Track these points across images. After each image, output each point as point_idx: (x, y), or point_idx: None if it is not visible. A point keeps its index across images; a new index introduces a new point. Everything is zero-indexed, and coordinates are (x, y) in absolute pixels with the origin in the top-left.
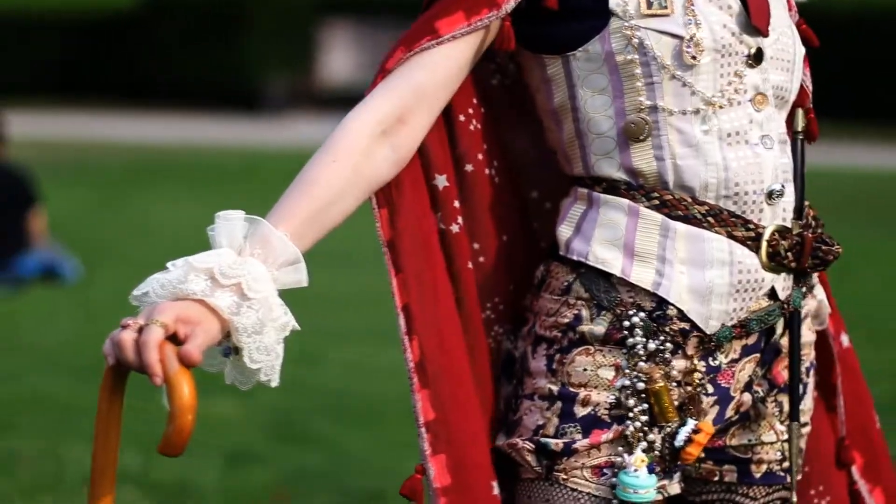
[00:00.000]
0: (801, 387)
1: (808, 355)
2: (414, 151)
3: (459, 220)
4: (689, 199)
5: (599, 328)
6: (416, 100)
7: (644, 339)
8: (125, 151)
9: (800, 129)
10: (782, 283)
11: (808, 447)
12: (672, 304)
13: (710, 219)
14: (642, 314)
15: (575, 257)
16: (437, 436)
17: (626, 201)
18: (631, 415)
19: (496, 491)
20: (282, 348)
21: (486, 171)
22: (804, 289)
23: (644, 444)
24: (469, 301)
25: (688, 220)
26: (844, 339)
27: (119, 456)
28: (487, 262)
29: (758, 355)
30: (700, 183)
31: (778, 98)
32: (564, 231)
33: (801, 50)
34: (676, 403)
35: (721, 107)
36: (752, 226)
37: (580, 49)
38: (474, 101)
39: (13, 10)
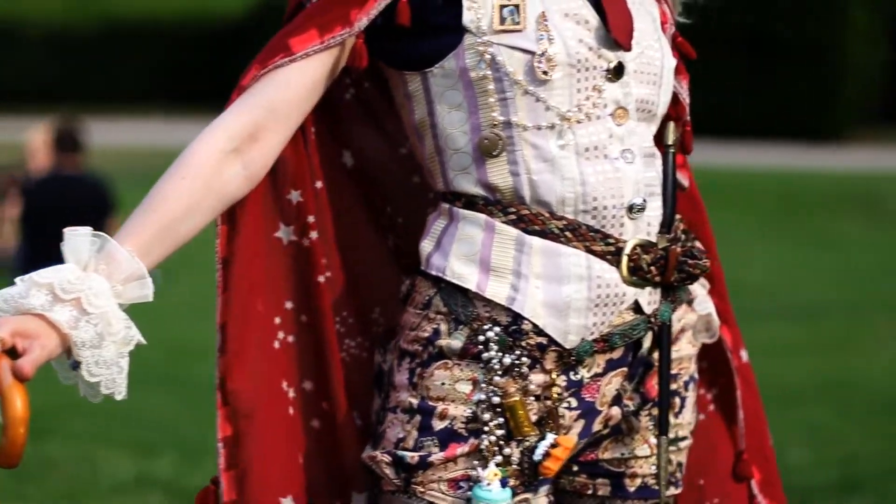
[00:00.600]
0: (678, 400)
1: (688, 369)
2: (267, 168)
3: (313, 234)
4: (547, 214)
5: (457, 342)
6: (268, 117)
7: (500, 354)
8: None
9: (670, 142)
10: (648, 298)
11: (702, 460)
12: (527, 319)
13: (567, 233)
14: (497, 329)
15: (434, 272)
16: (230, 452)
17: (483, 216)
18: (486, 429)
19: None
20: (126, 362)
21: (332, 187)
22: (674, 303)
23: (499, 458)
24: (320, 315)
25: (545, 234)
26: (743, 355)
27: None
28: (335, 276)
29: (625, 369)
30: (556, 198)
31: (643, 111)
32: (426, 246)
33: (671, 63)
34: (535, 418)
35: (578, 121)
36: (612, 240)
37: (437, 66)
38: (322, 116)
39: (124, 18)
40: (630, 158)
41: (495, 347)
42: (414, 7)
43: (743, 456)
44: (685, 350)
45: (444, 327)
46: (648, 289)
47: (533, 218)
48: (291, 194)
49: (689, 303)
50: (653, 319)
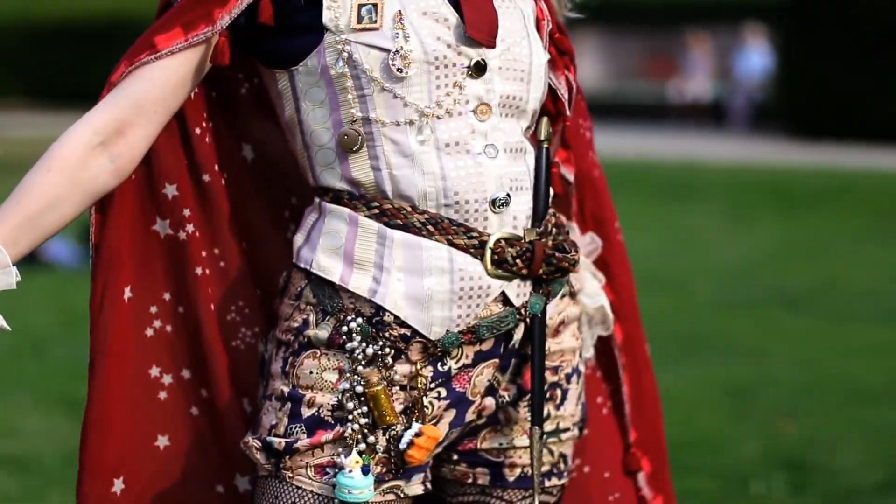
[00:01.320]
0: (560, 392)
1: (571, 361)
2: (135, 161)
3: (189, 227)
4: (409, 208)
5: (323, 333)
6: (134, 113)
7: (363, 344)
8: None
9: (543, 137)
10: (516, 290)
11: (600, 453)
12: (389, 311)
13: (429, 227)
14: (360, 319)
15: (302, 265)
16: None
17: (347, 211)
18: (350, 417)
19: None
20: None
21: (225, 181)
22: (547, 296)
23: (363, 446)
24: (198, 307)
25: (407, 228)
26: (646, 349)
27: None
28: (230, 266)
29: (496, 361)
30: (418, 192)
31: (510, 107)
32: (298, 239)
33: (541, 59)
34: (401, 407)
35: (439, 117)
36: (475, 234)
37: (301, 64)
38: (210, 114)
39: None
40: (493, 153)
41: (358, 338)
42: (276, 6)
43: (631, 449)
44: (567, 343)
45: (312, 318)
46: (517, 281)
47: (395, 212)
48: (167, 188)
49: (572, 296)
50: (523, 312)
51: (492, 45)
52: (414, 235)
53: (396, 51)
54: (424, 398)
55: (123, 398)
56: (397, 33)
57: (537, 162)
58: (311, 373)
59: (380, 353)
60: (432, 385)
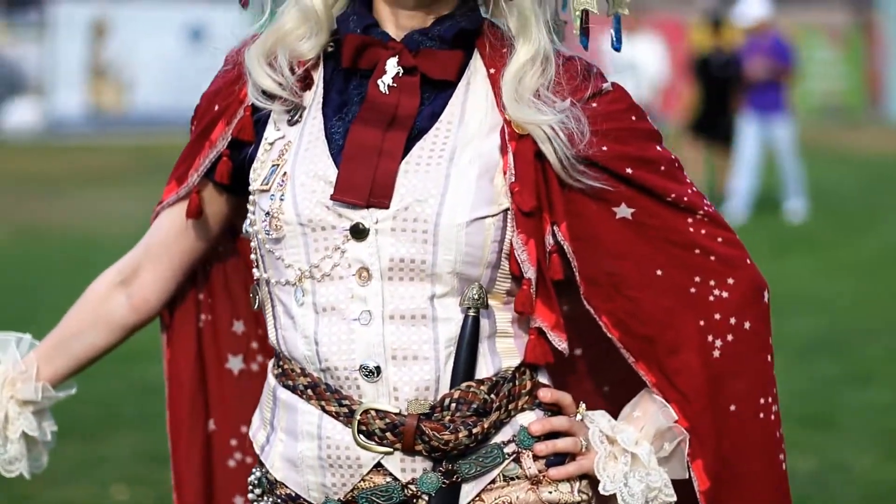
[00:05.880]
0: None
1: None
2: (149, 300)
3: (259, 358)
4: (299, 370)
5: (249, 478)
6: (145, 256)
7: (262, 497)
8: None
9: (465, 304)
10: (401, 464)
11: None
12: (268, 470)
13: (309, 391)
14: (258, 473)
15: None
16: None
17: (270, 366)
18: None
19: None
20: (12, 447)
21: None
22: (449, 474)
23: None
24: None
25: (294, 390)
26: None
27: None
28: None
29: None
30: (300, 355)
31: (409, 270)
32: None
33: (459, 219)
34: None
35: (318, 280)
36: (346, 402)
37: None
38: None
39: None
40: (366, 320)
41: (258, 490)
42: (236, 169)
43: None
44: None
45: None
46: (401, 455)
47: (290, 372)
48: (235, 325)
49: (532, 479)
50: (413, 488)
51: (380, 205)
52: (297, 398)
53: (268, 212)
54: None
55: None
56: (273, 195)
57: (462, 331)
58: None
59: None
60: None
